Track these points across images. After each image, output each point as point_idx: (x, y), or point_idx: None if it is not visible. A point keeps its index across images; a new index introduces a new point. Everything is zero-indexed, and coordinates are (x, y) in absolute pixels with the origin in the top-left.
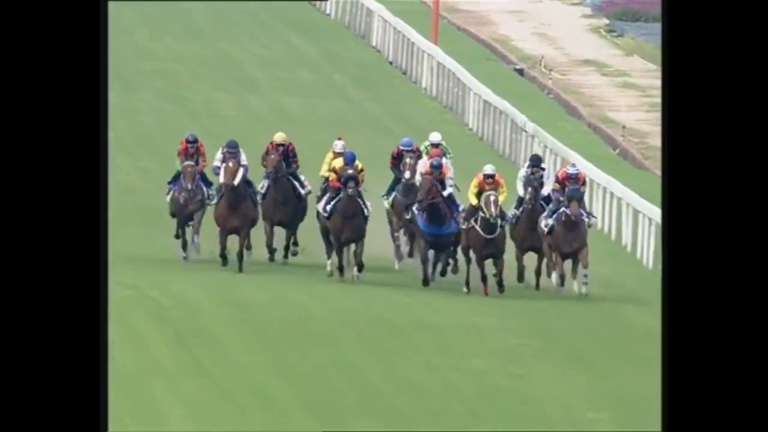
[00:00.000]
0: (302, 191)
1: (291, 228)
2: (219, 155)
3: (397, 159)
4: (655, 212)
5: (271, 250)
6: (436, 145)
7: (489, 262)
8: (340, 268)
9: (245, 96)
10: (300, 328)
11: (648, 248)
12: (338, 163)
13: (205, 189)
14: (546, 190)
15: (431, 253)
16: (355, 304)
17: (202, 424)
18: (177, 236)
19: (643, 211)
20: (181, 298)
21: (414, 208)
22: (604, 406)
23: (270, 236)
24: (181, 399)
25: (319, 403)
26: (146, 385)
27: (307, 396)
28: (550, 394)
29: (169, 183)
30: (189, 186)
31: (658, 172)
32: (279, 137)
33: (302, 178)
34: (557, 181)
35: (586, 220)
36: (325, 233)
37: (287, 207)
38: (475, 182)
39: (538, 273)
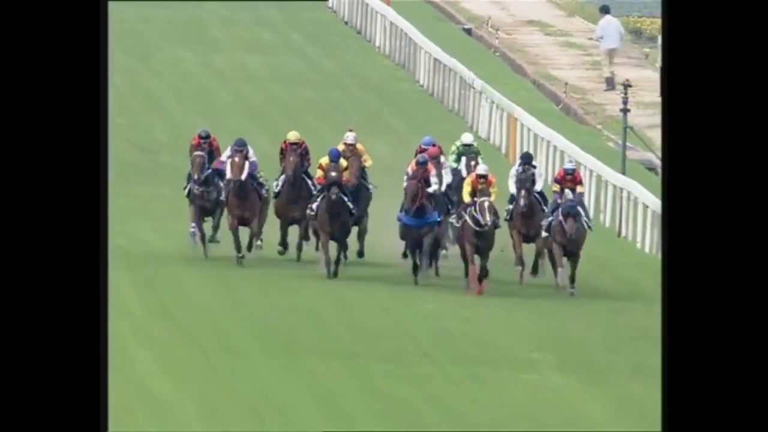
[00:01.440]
0: (314, 190)
1: (302, 224)
2: (227, 152)
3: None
4: (594, 163)
5: (285, 246)
6: (468, 146)
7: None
8: (328, 263)
9: (209, 54)
10: (262, 278)
11: (589, 197)
12: (324, 160)
13: (222, 184)
14: (539, 186)
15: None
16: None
17: (168, 364)
18: (195, 222)
19: (585, 164)
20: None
21: (398, 212)
22: (549, 348)
23: (284, 233)
24: (149, 341)
25: (278, 346)
26: (116, 328)
27: (266, 339)
28: (497, 336)
29: (187, 177)
30: (196, 176)
31: (599, 126)
32: (293, 136)
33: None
34: (556, 180)
35: (585, 222)
36: (314, 229)
37: (300, 205)
38: (468, 180)
39: (534, 269)
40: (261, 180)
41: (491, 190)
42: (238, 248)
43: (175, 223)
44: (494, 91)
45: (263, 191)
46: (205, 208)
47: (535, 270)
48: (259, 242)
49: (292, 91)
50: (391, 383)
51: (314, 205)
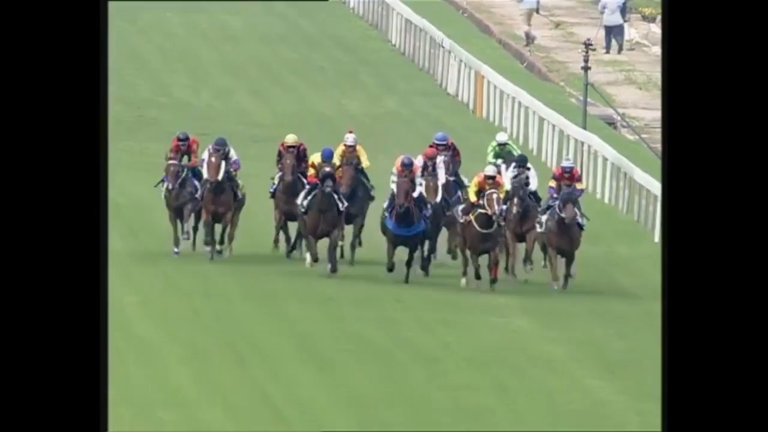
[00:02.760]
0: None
1: (299, 222)
2: (208, 149)
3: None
4: (557, 118)
5: (276, 242)
6: (503, 145)
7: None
8: (315, 259)
9: (193, 15)
10: (245, 231)
11: (552, 152)
12: (316, 158)
13: (196, 184)
14: (533, 185)
15: (401, 251)
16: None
17: (154, 309)
18: (177, 232)
19: (547, 119)
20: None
21: (384, 206)
22: (513, 294)
23: (279, 226)
24: (136, 287)
25: (258, 292)
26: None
27: (247, 285)
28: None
29: (164, 179)
30: (170, 186)
31: (562, 83)
32: (291, 139)
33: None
34: (554, 177)
35: (579, 221)
36: (303, 227)
37: (295, 204)
38: (476, 181)
39: (525, 260)
40: (238, 182)
41: (500, 190)
42: (213, 242)
43: (159, 175)
44: (462, 50)
45: (238, 192)
46: (179, 209)
47: (526, 260)
48: (227, 254)
49: (272, 50)
50: (365, 326)
51: (304, 202)
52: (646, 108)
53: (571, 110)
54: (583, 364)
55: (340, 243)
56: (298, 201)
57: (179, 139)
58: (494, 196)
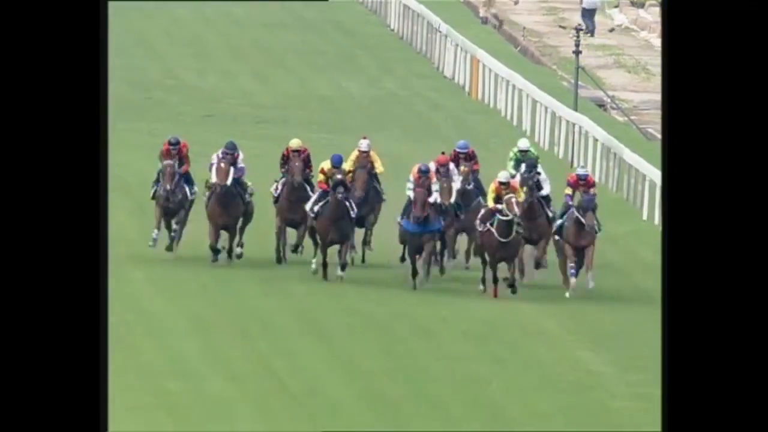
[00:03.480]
0: (311, 194)
1: (301, 228)
2: (217, 154)
3: (453, 161)
4: (549, 101)
5: (278, 251)
6: (524, 152)
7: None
8: (324, 266)
9: (198, 2)
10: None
11: (544, 132)
12: (326, 164)
13: (187, 188)
14: (546, 190)
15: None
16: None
17: (161, 284)
18: (158, 228)
19: (540, 101)
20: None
21: (400, 216)
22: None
23: (282, 232)
24: (144, 262)
25: (261, 269)
26: (114, 251)
27: (252, 264)
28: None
29: (155, 182)
30: (168, 187)
31: (554, 67)
32: (295, 143)
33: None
34: (568, 184)
35: (596, 225)
36: (312, 233)
37: (300, 209)
38: (492, 187)
39: (536, 265)
40: (247, 187)
41: (517, 194)
42: (216, 252)
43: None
44: (458, 34)
45: (247, 196)
46: (168, 208)
47: (537, 266)
48: (239, 249)
49: (275, 34)
50: (365, 302)
51: (315, 208)
52: (634, 90)
53: (563, 93)
54: (574, 337)
55: (351, 254)
56: (308, 207)
57: (170, 144)
58: (513, 200)
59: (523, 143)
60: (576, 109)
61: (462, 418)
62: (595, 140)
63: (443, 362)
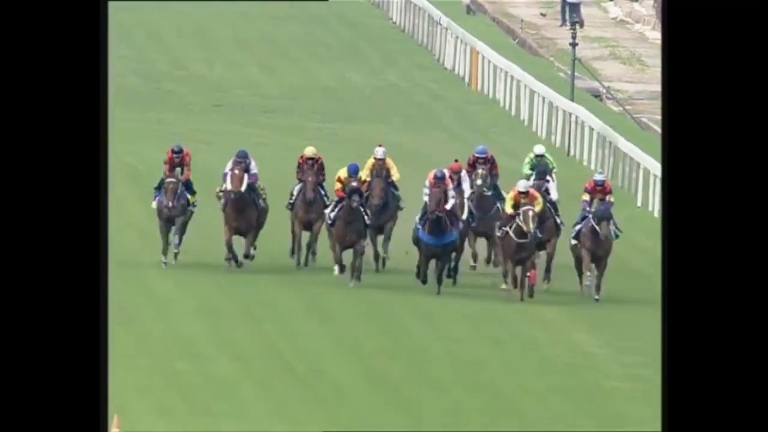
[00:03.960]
0: (326, 200)
1: (315, 231)
2: (229, 164)
3: (471, 167)
4: (546, 91)
5: (295, 251)
6: (540, 156)
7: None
8: (342, 268)
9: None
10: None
11: (542, 122)
12: (343, 173)
13: (188, 196)
14: (554, 196)
15: (433, 261)
16: None
17: (171, 268)
18: (167, 242)
19: (538, 91)
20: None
21: (417, 218)
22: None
23: (298, 237)
24: (152, 246)
25: (265, 256)
26: (123, 236)
27: (265, 257)
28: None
29: (156, 189)
30: (170, 204)
31: (551, 58)
32: (309, 151)
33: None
34: (586, 191)
35: (614, 231)
36: (331, 238)
37: (315, 215)
38: (511, 195)
39: (546, 271)
40: (260, 192)
41: (534, 203)
42: (234, 258)
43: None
44: (458, 27)
45: (261, 201)
46: (171, 220)
47: (547, 271)
48: (252, 251)
49: (280, 27)
50: (368, 288)
51: (332, 214)
52: (629, 81)
53: (560, 83)
54: (570, 320)
55: (365, 252)
56: (327, 212)
57: (173, 152)
58: (530, 213)
59: (539, 149)
60: (573, 100)
61: (461, 398)
62: (591, 129)
63: (443, 343)
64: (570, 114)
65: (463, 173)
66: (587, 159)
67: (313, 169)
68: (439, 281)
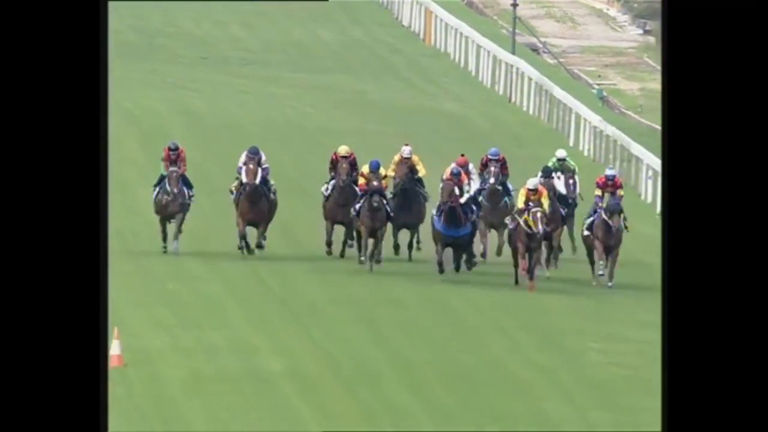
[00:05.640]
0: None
1: (349, 226)
2: (242, 158)
3: (484, 166)
4: (491, 46)
5: (330, 245)
6: (562, 161)
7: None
8: (367, 255)
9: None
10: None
11: (487, 73)
12: (365, 169)
13: (186, 191)
14: (561, 189)
15: (449, 251)
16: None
17: None
18: (164, 234)
19: (484, 46)
20: None
21: (433, 210)
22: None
23: (330, 233)
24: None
25: (289, 238)
26: (122, 173)
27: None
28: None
29: (155, 185)
30: (174, 190)
31: (495, 17)
32: (343, 150)
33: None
34: (597, 186)
35: (623, 225)
36: (356, 229)
37: (347, 209)
38: (522, 192)
39: (549, 258)
40: (271, 185)
41: (542, 200)
42: (247, 247)
43: (167, 91)
44: (460, 21)
45: (271, 195)
46: (168, 210)
47: (552, 258)
48: (263, 241)
49: (294, 25)
50: (395, 284)
51: (357, 206)
52: (563, 38)
53: (503, 39)
54: (569, 303)
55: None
56: (354, 208)
57: (170, 149)
58: (538, 214)
59: (561, 153)
60: (514, 53)
61: (472, 370)
62: (530, 79)
63: (450, 329)
64: (511, 66)
65: (470, 167)
66: (526, 105)
67: (347, 161)
68: (457, 268)
